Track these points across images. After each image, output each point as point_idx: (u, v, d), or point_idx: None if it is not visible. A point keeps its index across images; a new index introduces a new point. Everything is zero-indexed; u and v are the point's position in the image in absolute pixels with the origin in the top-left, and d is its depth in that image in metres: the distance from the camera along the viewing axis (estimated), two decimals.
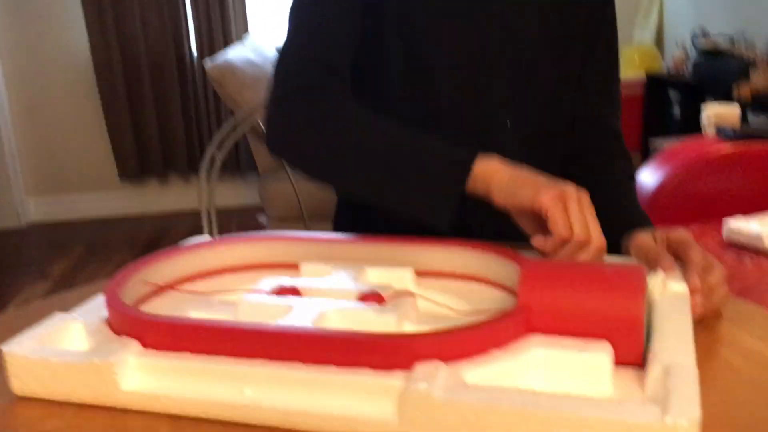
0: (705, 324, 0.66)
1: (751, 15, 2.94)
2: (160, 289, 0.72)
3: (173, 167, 3.66)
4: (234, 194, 3.74)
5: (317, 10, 0.81)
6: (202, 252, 0.77)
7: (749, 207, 1.77)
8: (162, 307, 0.69)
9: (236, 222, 3.52)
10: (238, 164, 3.68)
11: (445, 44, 0.86)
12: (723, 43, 2.94)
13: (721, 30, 3.05)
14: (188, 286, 0.75)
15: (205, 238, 0.82)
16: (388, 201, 0.77)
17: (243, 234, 0.80)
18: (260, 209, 2.83)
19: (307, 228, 1.56)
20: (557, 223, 0.66)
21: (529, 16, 0.88)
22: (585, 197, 0.68)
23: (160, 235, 3.44)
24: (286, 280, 0.69)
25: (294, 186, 1.53)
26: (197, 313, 0.66)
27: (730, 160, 1.91)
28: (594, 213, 0.68)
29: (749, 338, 0.64)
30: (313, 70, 0.80)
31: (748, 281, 1.47)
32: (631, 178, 0.94)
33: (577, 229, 0.66)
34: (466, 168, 0.72)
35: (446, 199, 0.72)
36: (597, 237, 0.66)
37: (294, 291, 0.67)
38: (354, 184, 0.79)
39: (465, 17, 0.86)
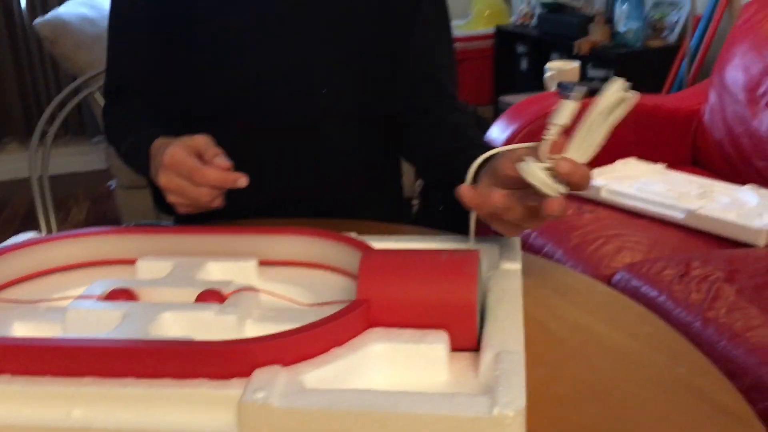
0: (535, 297, 0.69)
1: None
2: None
3: (10, 133, 3.39)
4: (81, 159, 3.52)
5: (111, 45, 1.01)
6: (27, 252, 0.71)
7: (591, 161, 1.87)
8: None
9: (84, 188, 3.33)
10: (83, 128, 3.46)
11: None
12: None
13: None
14: (13, 291, 0.69)
15: (32, 235, 0.76)
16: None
17: (74, 230, 0.75)
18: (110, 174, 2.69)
19: (152, 196, 1.49)
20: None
21: None
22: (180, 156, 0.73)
23: (0, 205, 3.19)
24: (119, 281, 0.66)
25: None
26: (21, 324, 0.62)
27: None
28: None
29: (575, 311, 0.68)
30: (110, 97, 1.03)
31: (588, 233, 1.57)
32: (468, 125, 0.93)
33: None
34: (143, 159, 0.83)
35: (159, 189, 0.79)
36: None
37: (128, 294, 0.63)
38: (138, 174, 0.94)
39: None
